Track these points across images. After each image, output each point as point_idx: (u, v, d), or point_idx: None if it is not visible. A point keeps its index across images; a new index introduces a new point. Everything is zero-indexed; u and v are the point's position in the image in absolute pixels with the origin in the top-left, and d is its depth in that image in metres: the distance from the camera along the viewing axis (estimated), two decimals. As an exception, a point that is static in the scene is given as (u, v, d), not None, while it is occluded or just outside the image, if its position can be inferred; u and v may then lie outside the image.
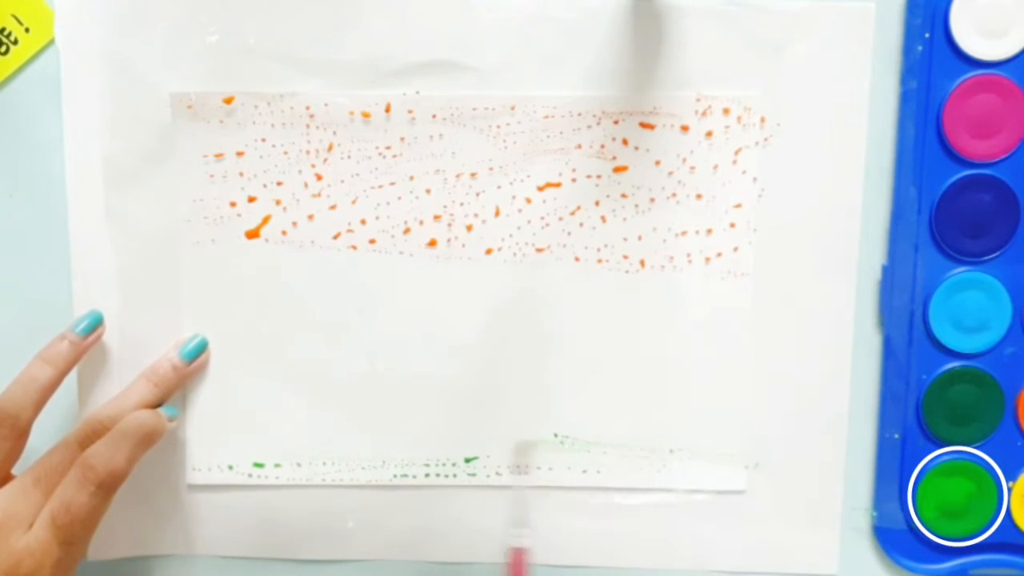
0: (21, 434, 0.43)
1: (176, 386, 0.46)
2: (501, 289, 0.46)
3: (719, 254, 0.46)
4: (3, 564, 0.40)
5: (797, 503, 0.48)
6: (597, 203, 0.46)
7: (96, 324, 0.45)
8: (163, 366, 0.46)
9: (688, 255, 0.46)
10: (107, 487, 0.41)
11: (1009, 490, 0.47)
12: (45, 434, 0.45)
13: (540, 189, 0.46)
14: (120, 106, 0.45)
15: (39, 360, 0.44)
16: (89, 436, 0.43)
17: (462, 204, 0.46)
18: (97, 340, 0.46)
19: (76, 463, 0.42)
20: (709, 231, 0.46)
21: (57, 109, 0.46)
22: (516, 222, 0.46)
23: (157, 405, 0.46)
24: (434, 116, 0.45)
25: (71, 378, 0.46)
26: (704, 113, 0.45)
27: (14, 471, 0.44)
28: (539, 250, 0.46)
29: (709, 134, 0.45)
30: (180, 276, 0.47)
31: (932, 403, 0.46)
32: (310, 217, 0.46)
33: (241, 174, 0.46)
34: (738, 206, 0.46)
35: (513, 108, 0.45)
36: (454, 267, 0.46)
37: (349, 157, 0.46)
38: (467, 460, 0.48)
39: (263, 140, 0.46)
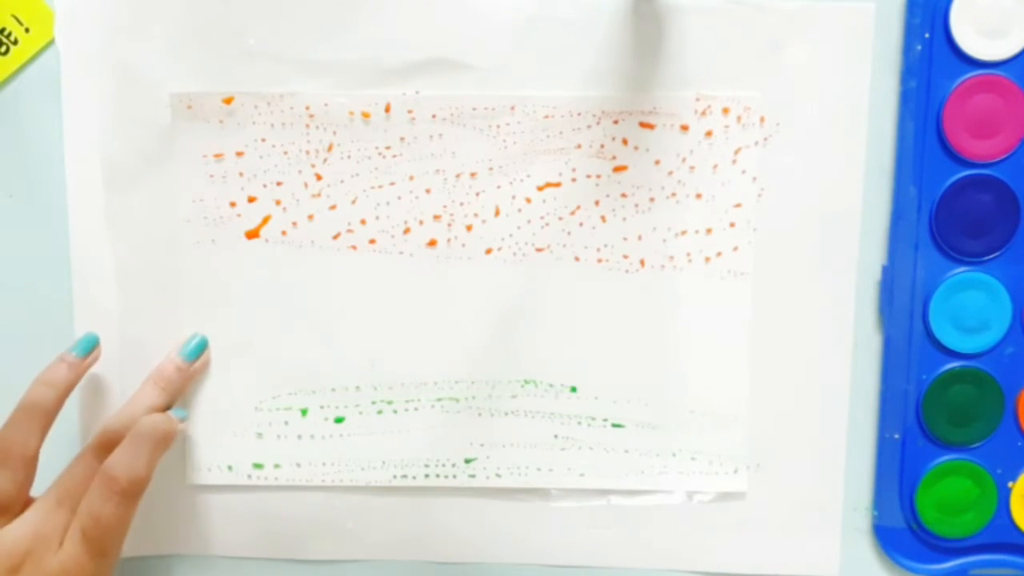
0: (30, 462, 0.43)
1: (182, 387, 0.46)
2: (501, 289, 0.46)
3: (719, 254, 0.46)
4: None
5: (797, 504, 0.48)
6: (597, 203, 0.46)
7: (93, 346, 0.45)
8: (167, 369, 0.46)
9: (688, 255, 0.46)
10: (132, 495, 0.41)
11: (1009, 490, 0.47)
12: (48, 437, 0.44)
13: (540, 189, 0.46)
14: (120, 106, 0.45)
15: (39, 384, 0.43)
16: (104, 446, 0.43)
17: (462, 204, 0.46)
18: (95, 361, 0.46)
19: (98, 474, 0.41)
20: (709, 231, 0.46)
21: (57, 109, 0.46)
22: (516, 222, 0.46)
23: (166, 408, 0.46)
24: (434, 116, 0.45)
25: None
26: (704, 113, 0.45)
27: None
28: (539, 250, 0.46)
29: (709, 134, 0.45)
30: (180, 276, 0.47)
31: (932, 403, 0.46)
32: (310, 217, 0.46)
33: (241, 174, 0.46)
34: (738, 206, 0.46)
35: (513, 108, 0.45)
36: (454, 267, 0.46)
37: (349, 157, 0.46)
38: (467, 461, 0.48)
39: (263, 140, 0.46)
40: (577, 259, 0.46)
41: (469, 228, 0.46)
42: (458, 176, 0.46)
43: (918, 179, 0.45)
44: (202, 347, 0.47)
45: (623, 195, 0.46)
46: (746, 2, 0.44)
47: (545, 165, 0.46)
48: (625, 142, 0.45)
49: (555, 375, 0.47)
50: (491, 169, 0.46)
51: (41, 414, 0.43)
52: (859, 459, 0.47)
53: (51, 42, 0.46)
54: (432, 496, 0.48)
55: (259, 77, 0.45)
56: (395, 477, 0.48)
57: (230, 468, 0.48)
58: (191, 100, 0.45)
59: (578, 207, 0.46)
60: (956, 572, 0.47)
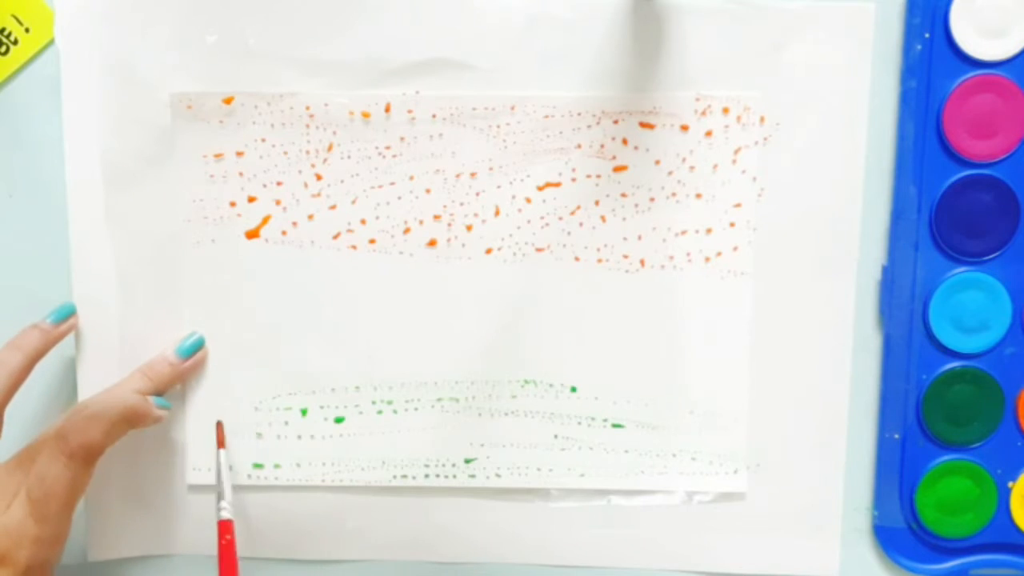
0: None
1: (171, 382, 0.46)
2: (501, 289, 0.46)
3: (719, 253, 0.46)
4: None
5: (797, 504, 0.48)
6: (597, 203, 0.46)
7: (67, 314, 0.45)
8: (158, 362, 0.46)
9: (688, 254, 0.46)
10: (80, 459, 0.41)
11: (1009, 490, 0.47)
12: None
13: (540, 189, 0.46)
14: (120, 106, 0.45)
15: (8, 347, 0.44)
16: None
17: (462, 204, 0.46)
18: (69, 331, 0.46)
19: (51, 435, 0.41)
20: (709, 230, 0.46)
21: (57, 109, 0.46)
22: (516, 222, 0.46)
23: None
24: (434, 116, 0.45)
25: (71, 378, 0.46)
26: (704, 113, 0.45)
27: None
28: (539, 250, 0.46)
29: (709, 134, 0.45)
30: (180, 276, 0.47)
31: (932, 403, 0.46)
32: (310, 217, 0.46)
33: (241, 174, 0.46)
34: (738, 205, 0.46)
35: (513, 108, 0.45)
36: (454, 267, 0.46)
37: (349, 157, 0.46)
38: (467, 461, 0.48)
39: (263, 140, 0.46)
40: (577, 259, 0.46)
41: (469, 228, 0.46)
42: (458, 176, 0.46)
43: (918, 179, 0.45)
44: (197, 346, 0.47)
45: (623, 195, 0.46)
46: (746, 2, 0.44)
47: (545, 165, 0.46)
48: (625, 142, 0.45)
49: (555, 375, 0.47)
50: (491, 169, 0.46)
51: (6, 374, 0.43)
52: (859, 459, 0.47)
53: (51, 42, 0.46)
54: (432, 496, 0.48)
55: (259, 77, 0.45)
56: (395, 477, 0.48)
57: (230, 468, 0.48)
58: (191, 100, 0.45)
59: (578, 207, 0.46)
60: (956, 572, 0.47)
